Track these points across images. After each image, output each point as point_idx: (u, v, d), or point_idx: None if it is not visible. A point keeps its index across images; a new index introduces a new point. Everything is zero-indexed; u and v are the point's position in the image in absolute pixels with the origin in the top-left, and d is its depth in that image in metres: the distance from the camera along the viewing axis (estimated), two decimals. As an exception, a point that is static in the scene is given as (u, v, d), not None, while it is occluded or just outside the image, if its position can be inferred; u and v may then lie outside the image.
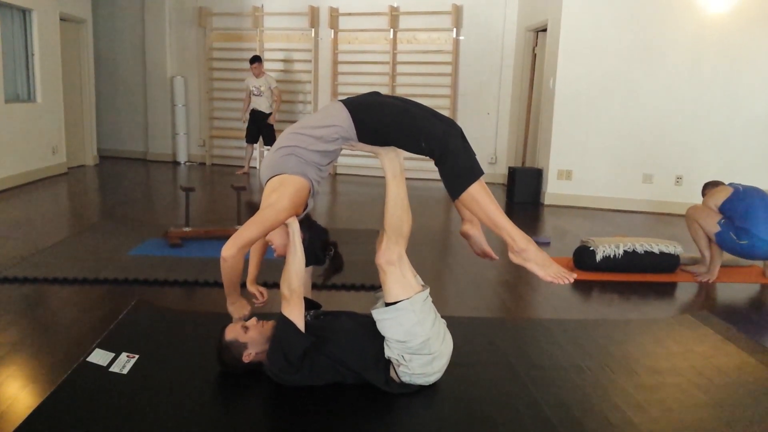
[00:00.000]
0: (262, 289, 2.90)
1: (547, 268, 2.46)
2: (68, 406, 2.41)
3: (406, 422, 2.50)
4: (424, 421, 2.49)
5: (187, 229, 5.13)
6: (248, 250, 2.53)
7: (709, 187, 4.67)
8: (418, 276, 2.71)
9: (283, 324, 2.53)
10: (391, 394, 2.57)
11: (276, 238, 2.62)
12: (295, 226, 2.58)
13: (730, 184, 4.53)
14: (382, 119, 2.52)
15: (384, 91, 9.28)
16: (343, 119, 2.52)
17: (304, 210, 2.68)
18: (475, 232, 2.88)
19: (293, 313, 2.53)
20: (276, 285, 3.93)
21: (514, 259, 2.51)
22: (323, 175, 2.67)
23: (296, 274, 2.55)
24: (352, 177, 9.40)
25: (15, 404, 2.48)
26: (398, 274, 2.51)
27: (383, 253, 2.52)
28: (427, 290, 2.59)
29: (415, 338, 2.48)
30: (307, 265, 2.72)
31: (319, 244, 2.66)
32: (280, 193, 2.48)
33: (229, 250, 2.46)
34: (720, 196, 4.47)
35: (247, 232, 2.47)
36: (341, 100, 2.61)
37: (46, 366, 2.82)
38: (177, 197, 7.16)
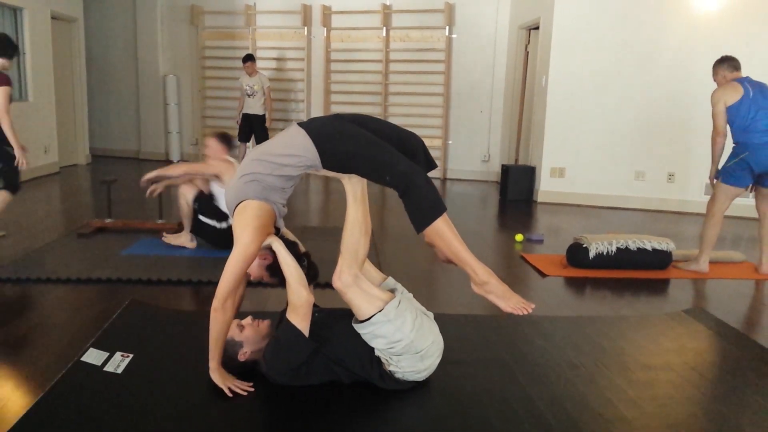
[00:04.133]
0: (243, 322, 2.73)
1: (508, 300, 2.54)
2: (63, 406, 2.41)
3: (401, 419, 2.51)
4: (418, 419, 2.50)
5: (108, 220, 5.41)
6: (234, 297, 2.53)
7: (724, 67, 4.69)
8: (388, 279, 2.75)
9: (289, 331, 2.51)
10: (386, 392, 2.57)
11: None
12: (276, 243, 2.59)
13: (743, 84, 4.56)
14: (347, 151, 2.51)
15: (377, 90, 9.34)
16: (307, 149, 2.51)
17: (277, 232, 2.69)
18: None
19: (302, 322, 2.51)
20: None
21: (477, 290, 2.59)
22: (287, 195, 2.67)
23: (299, 284, 2.53)
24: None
25: (9, 404, 2.47)
26: (360, 293, 2.51)
27: (338, 276, 2.51)
28: (398, 295, 2.59)
29: (399, 343, 2.50)
30: (283, 283, 2.72)
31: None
32: (242, 225, 2.50)
33: (217, 300, 2.48)
34: (731, 96, 4.54)
35: (226, 277, 2.48)
36: (303, 126, 2.58)
37: (39, 366, 2.81)
38: (170, 196, 7.14)
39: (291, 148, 2.54)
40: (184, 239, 4.81)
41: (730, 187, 4.59)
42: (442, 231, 2.49)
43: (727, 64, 4.71)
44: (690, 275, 4.60)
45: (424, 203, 2.47)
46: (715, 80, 4.79)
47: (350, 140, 2.52)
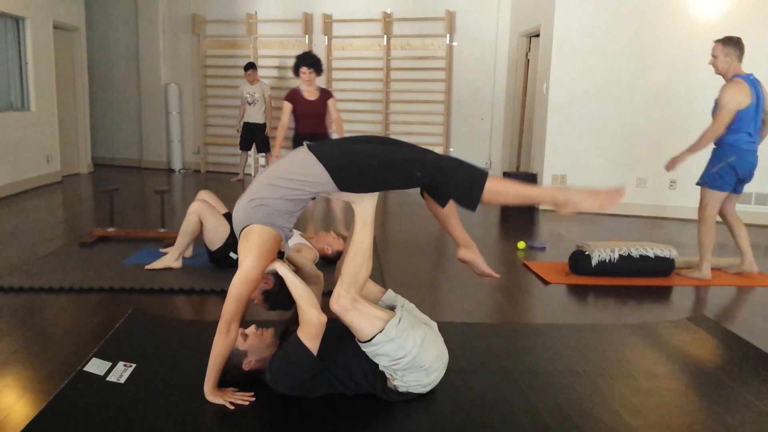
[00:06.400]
0: (247, 331, 2.72)
1: (595, 198, 2.43)
2: (66, 416, 2.40)
3: (404, 428, 2.50)
4: (421, 427, 2.50)
5: (110, 229, 5.35)
6: (239, 321, 2.53)
7: (738, 53, 4.49)
8: (388, 291, 2.75)
9: (299, 348, 2.49)
10: (389, 401, 2.57)
11: None
12: (282, 267, 2.59)
13: (750, 87, 4.42)
14: (366, 165, 2.51)
15: (378, 98, 9.36)
16: (319, 175, 2.50)
17: (282, 255, 2.69)
18: (471, 255, 2.88)
19: (311, 342, 2.50)
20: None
21: (565, 211, 2.46)
22: (294, 219, 2.66)
23: (310, 305, 2.51)
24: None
25: (12, 415, 2.47)
26: (358, 315, 2.49)
27: (336, 300, 2.50)
28: (398, 312, 2.58)
29: (402, 360, 2.49)
30: (275, 308, 2.73)
31: (287, 292, 2.61)
32: (246, 249, 2.51)
33: (223, 324, 2.48)
34: (744, 101, 4.40)
35: (229, 301, 2.48)
36: (313, 150, 2.56)
37: (42, 376, 2.81)
38: (172, 205, 7.15)
39: (302, 174, 2.53)
40: (170, 260, 4.44)
41: (717, 192, 4.56)
42: (498, 188, 2.42)
43: (739, 50, 4.50)
44: (693, 283, 4.59)
45: (466, 179, 2.42)
46: (716, 59, 4.55)
47: (365, 155, 2.53)
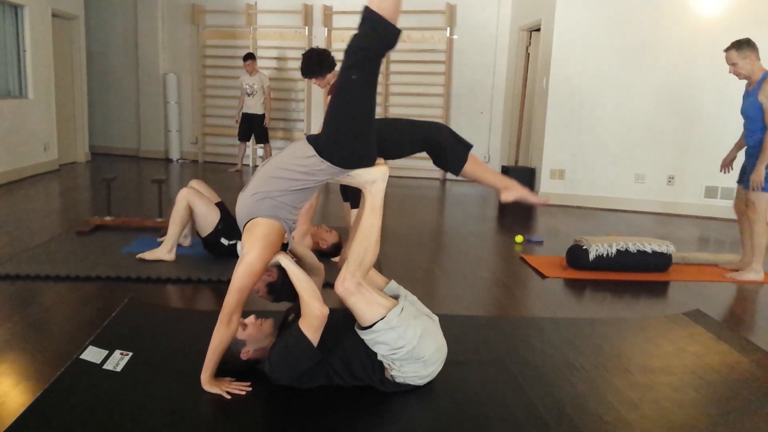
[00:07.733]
0: (246, 320, 2.71)
1: None
2: (62, 404, 2.40)
3: (400, 420, 2.51)
4: (418, 420, 2.50)
5: (107, 218, 5.36)
6: (240, 312, 2.52)
7: (757, 53, 4.36)
8: (390, 282, 2.74)
9: (300, 340, 2.49)
10: (386, 393, 2.57)
11: None
12: (285, 260, 2.59)
13: None
14: (341, 126, 2.52)
15: (377, 90, 9.32)
16: (317, 162, 2.52)
17: (286, 247, 2.69)
18: (515, 193, 2.95)
19: (313, 333, 2.50)
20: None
21: None
22: (298, 212, 2.66)
23: (312, 297, 2.51)
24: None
25: (7, 402, 2.47)
26: (362, 300, 2.50)
27: (341, 282, 2.50)
28: (402, 302, 2.58)
29: (401, 350, 2.49)
30: (279, 300, 2.73)
31: (291, 284, 2.61)
32: (250, 242, 2.50)
33: (224, 315, 2.48)
34: None
35: (232, 293, 2.48)
36: (312, 141, 2.57)
37: (38, 363, 2.81)
38: (170, 195, 7.14)
39: (302, 165, 2.54)
40: (162, 251, 4.38)
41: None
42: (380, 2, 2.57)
43: (755, 48, 4.34)
44: (747, 283, 4.56)
45: (370, 25, 2.63)
46: (736, 66, 4.41)
47: (330, 118, 2.57)
